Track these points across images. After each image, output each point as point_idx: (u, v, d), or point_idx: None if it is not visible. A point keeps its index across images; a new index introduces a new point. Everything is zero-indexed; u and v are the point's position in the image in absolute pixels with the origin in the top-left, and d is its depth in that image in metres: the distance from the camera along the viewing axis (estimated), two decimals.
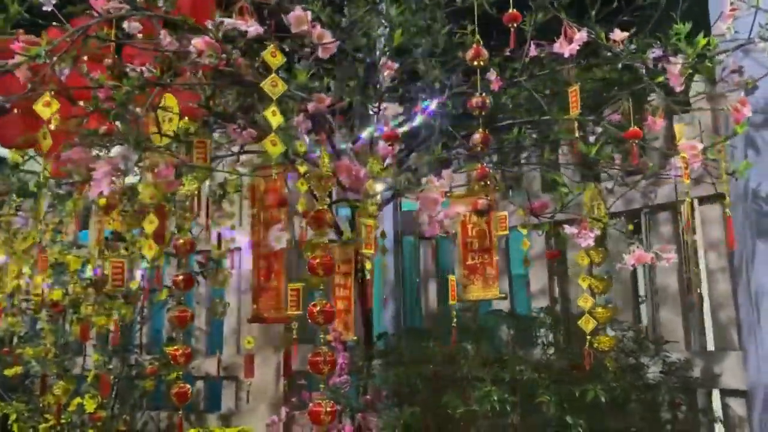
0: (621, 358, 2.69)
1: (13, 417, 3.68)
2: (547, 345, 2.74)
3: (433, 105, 2.61)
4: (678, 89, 1.96)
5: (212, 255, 3.59)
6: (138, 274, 4.19)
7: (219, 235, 3.24)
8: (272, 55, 1.44)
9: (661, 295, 3.00)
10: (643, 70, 2.14)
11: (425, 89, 2.64)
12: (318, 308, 2.24)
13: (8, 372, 3.74)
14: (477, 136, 1.80)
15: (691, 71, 1.98)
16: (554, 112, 2.32)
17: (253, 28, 1.57)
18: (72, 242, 4.55)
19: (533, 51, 2.35)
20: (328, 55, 1.67)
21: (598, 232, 1.99)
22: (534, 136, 2.52)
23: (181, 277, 2.51)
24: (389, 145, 2.05)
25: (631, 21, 2.20)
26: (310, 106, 2.12)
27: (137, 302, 3.92)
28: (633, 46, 2.21)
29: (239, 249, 3.83)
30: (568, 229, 1.98)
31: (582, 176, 2.72)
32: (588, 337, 2.09)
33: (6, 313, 4.16)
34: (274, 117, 1.44)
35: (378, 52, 2.49)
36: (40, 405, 3.60)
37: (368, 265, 2.02)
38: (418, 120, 2.58)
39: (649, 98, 2.51)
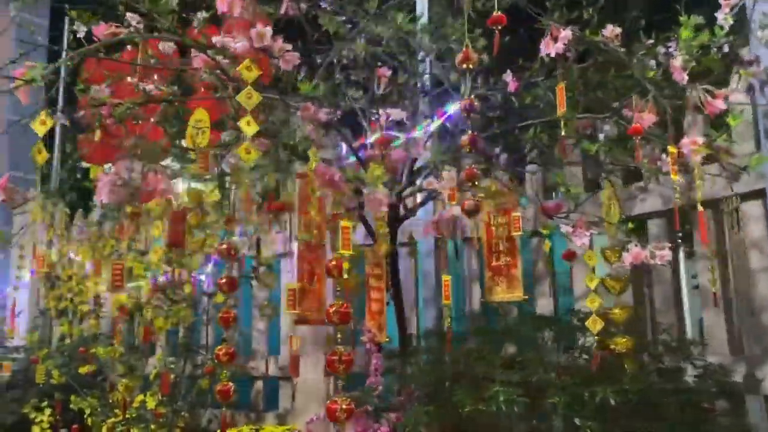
0: (653, 361, 2.62)
1: (88, 411, 3.97)
2: (575, 348, 2.70)
3: (452, 109, 2.65)
4: (682, 83, 1.90)
5: (261, 259, 3.74)
6: (203, 278, 4.46)
7: (258, 240, 3.40)
8: (248, 69, 1.54)
9: (703, 297, 2.89)
10: (652, 65, 2.10)
11: (445, 93, 2.69)
12: (334, 309, 2.34)
13: (82, 370, 4.04)
14: (465, 138, 1.83)
15: (695, 64, 1.92)
16: (568, 112, 2.30)
17: (240, 44, 1.67)
18: (144, 250, 4.87)
19: (545, 50, 2.34)
20: (290, 67, 1.75)
21: (595, 232, 1.96)
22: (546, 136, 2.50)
23: (224, 280, 2.69)
24: (383, 150, 2.11)
25: (641, 17, 2.15)
26: (321, 115, 2.22)
27: (197, 305, 4.15)
28: (650, 41, 2.17)
29: (287, 253, 3.98)
30: (564, 228, 1.96)
31: (589, 175, 2.67)
32: (596, 337, 2.06)
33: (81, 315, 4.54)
34: (248, 127, 1.53)
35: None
36: (110, 401, 3.87)
37: (346, 265, 2.07)
38: (435, 124, 2.62)
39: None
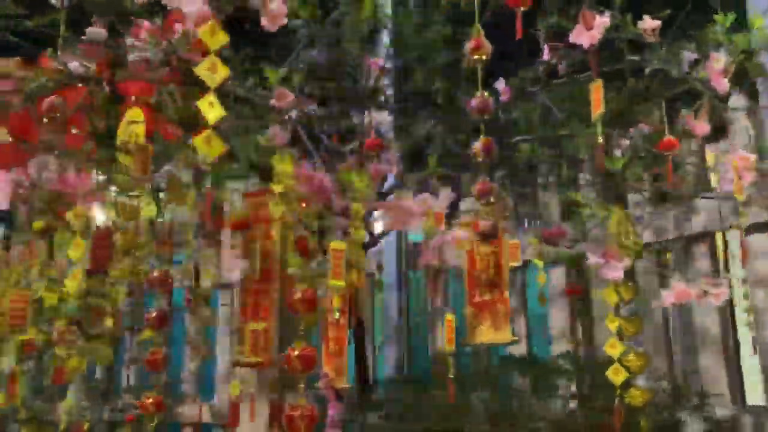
0: (653, 413, 2.31)
1: None
2: (568, 397, 2.36)
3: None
4: (722, 91, 1.62)
5: (198, 291, 3.27)
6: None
7: (197, 269, 2.94)
8: (211, 34, 1.13)
9: (700, 340, 2.61)
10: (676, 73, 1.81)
11: (424, 101, 2.34)
12: (296, 353, 1.92)
13: None
14: (478, 144, 1.47)
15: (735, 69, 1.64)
16: (575, 126, 1.98)
17: (194, 5, 1.25)
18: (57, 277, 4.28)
19: (546, 55, 2.03)
20: (276, 27, 1.35)
21: (629, 263, 1.64)
22: (547, 153, 2.19)
23: (154, 315, 2.23)
24: (374, 154, 1.73)
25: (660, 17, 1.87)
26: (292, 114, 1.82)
27: (118, 343, 3.61)
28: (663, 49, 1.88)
29: (228, 285, 3.51)
30: (592, 259, 1.63)
31: (605, 198, 2.37)
32: (618, 390, 1.72)
33: None
34: (211, 109, 1.12)
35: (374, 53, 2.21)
36: None
37: (336, 303, 1.69)
38: (416, 134, 2.27)
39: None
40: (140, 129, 1.81)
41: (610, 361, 2.24)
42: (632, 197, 2.53)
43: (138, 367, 4.24)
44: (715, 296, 1.50)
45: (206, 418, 3.88)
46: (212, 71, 1.14)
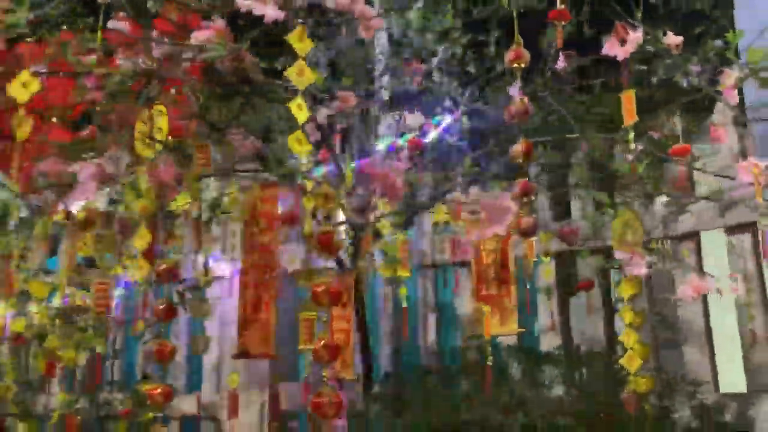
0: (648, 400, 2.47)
1: None
2: (568, 386, 2.50)
3: (446, 121, 2.40)
4: (733, 102, 1.77)
5: (197, 283, 3.28)
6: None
7: (206, 262, 2.96)
8: (300, 39, 1.19)
9: (686, 332, 2.79)
10: (685, 83, 1.95)
11: (438, 104, 2.43)
12: (322, 343, 2.00)
13: None
14: (518, 147, 1.57)
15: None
16: (586, 129, 2.11)
17: (272, 10, 1.31)
18: (39, 268, 4.21)
19: (561, 62, 2.15)
20: (371, 36, 1.43)
21: (653, 259, 1.77)
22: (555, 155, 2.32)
23: (162, 307, 2.27)
24: (417, 154, 1.81)
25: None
26: (320, 116, 1.89)
27: (109, 334, 3.59)
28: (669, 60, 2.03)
29: (221, 277, 3.54)
30: (619, 255, 1.75)
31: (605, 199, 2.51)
32: (631, 378, 1.85)
33: None
34: (300, 111, 1.19)
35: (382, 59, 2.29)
36: None
37: (403, 291, 1.77)
38: (431, 136, 2.36)
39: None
40: (162, 123, 1.85)
41: (602, 352, 2.38)
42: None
43: (122, 361, 4.22)
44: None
45: (194, 409, 3.90)
46: (300, 75, 1.21)
